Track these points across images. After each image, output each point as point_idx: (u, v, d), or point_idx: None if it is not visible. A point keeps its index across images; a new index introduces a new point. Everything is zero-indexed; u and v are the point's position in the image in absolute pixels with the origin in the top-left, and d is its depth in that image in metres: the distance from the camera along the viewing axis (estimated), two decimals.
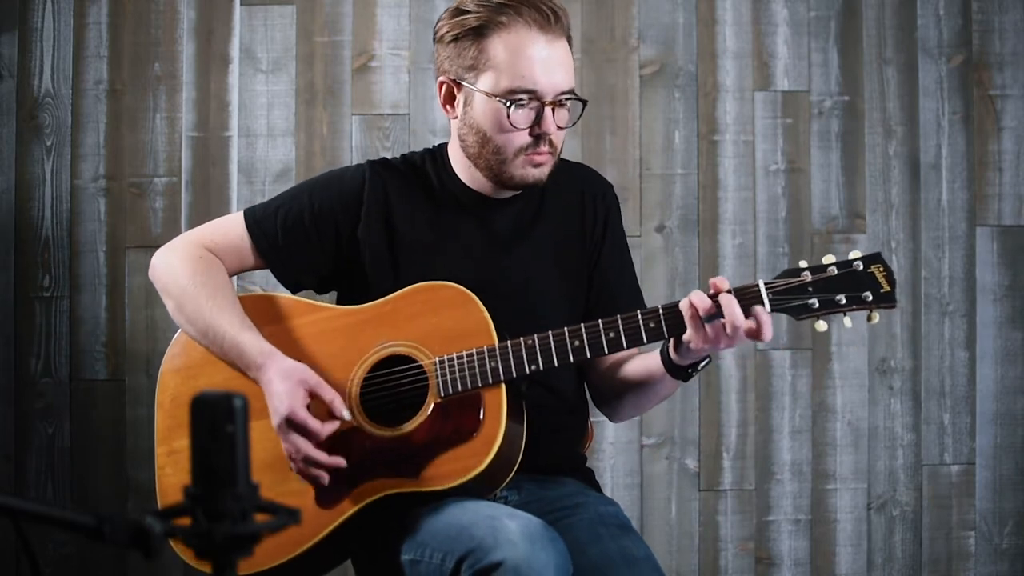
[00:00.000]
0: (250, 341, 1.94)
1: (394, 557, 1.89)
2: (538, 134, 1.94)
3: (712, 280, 1.80)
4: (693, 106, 2.99)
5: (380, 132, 2.96)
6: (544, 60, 1.92)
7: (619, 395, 2.07)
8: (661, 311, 1.83)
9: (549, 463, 2.03)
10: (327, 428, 1.88)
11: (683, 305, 1.80)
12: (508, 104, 1.91)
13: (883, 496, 2.99)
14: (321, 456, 1.88)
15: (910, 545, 3.00)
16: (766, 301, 1.78)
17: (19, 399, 2.92)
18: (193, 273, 2.01)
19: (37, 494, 2.92)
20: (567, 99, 1.96)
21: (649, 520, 2.97)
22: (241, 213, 2.08)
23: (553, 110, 1.94)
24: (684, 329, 1.81)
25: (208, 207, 2.93)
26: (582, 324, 1.86)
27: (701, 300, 1.78)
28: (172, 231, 2.93)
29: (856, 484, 2.99)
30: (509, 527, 1.74)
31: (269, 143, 2.96)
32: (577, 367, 2.09)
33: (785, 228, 2.99)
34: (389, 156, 2.14)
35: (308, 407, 1.89)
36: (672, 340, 1.87)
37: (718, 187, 2.99)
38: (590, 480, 2.13)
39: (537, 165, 1.96)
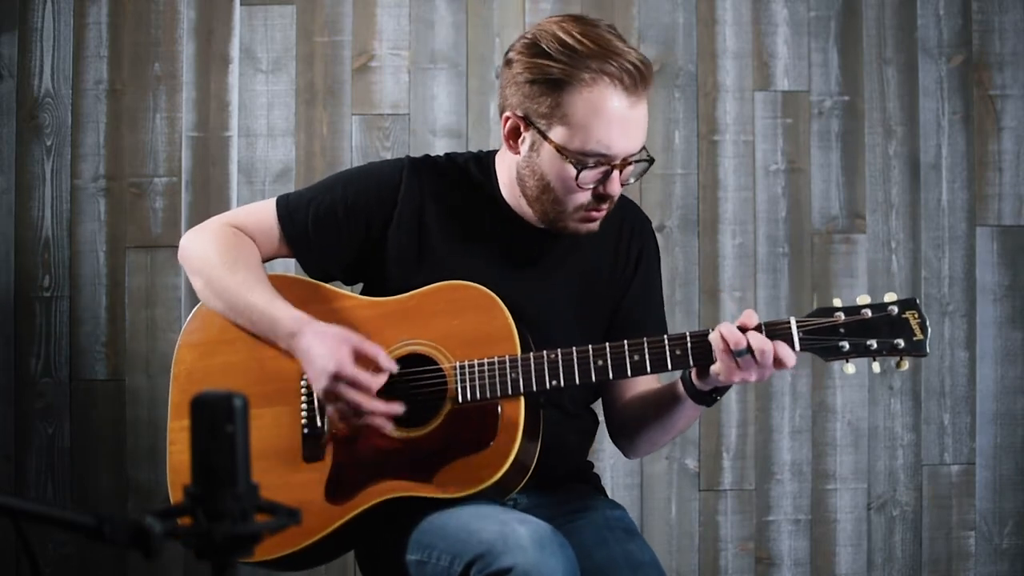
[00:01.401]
0: (282, 310, 1.92)
1: (399, 556, 1.89)
2: (601, 194, 1.90)
3: (741, 318, 1.79)
4: (693, 106, 2.99)
5: (380, 132, 2.96)
6: (622, 123, 1.84)
7: (637, 428, 2.04)
8: (689, 339, 1.81)
9: (559, 468, 2.02)
10: (378, 380, 1.85)
11: (713, 338, 1.79)
12: (579, 167, 1.85)
13: (883, 496, 2.99)
14: (378, 404, 1.85)
15: (910, 545, 2.99)
16: (796, 340, 1.77)
17: (19, 399, 2.92)
18: (224, 250, 1.99)
19: (37, 494, 2.91)
20: (636, 161, 1.90)
21: (649, 520, 2.97)
22: (274, 200, 2.05)
23: (620, 170, 1.88)
24: (711, 360, 1.80)
25: (208, 207, 2.93)
26: (607, 344, 1.84)
27: (732, 334, 1.77)
28: (172, 231, 2.93)
29: (856, 484, 2.99)
30: (519, 532, 1.73)
31: (269, 143, 2.96)
32: (595, 389, 2.07)
33: (785, 228, 2.99)
34: (432, 154, 2.10)
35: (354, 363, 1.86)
36: (696, 368, 1.85)
37: (718, 187, 2.99)
38: (596, 485, 2.13)
39: (593, 220, 1.93)
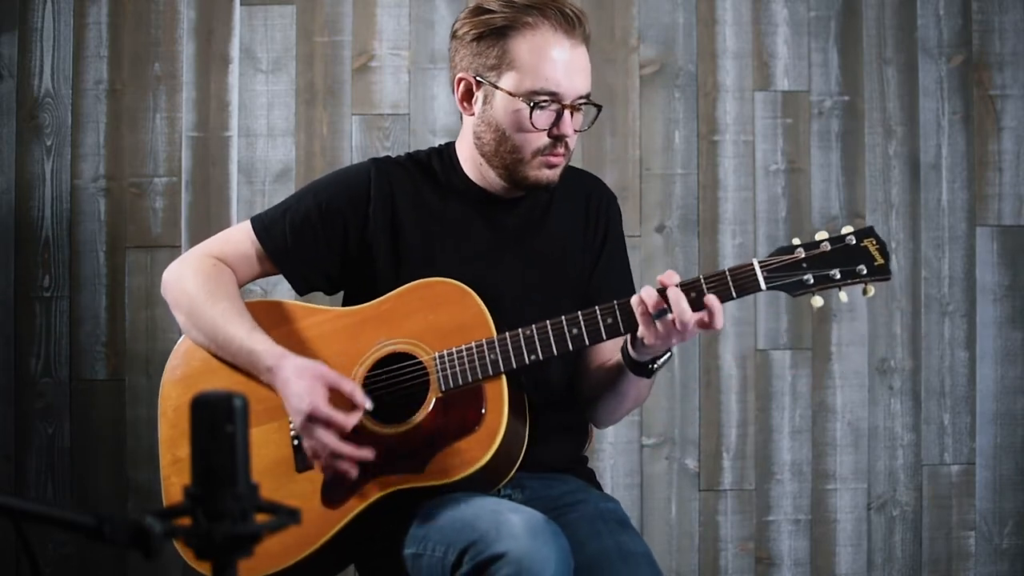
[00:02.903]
0: (261, 344, 1.95)
1: (396, 552, 1.90)
2: (556, 136, 1.95)
3: (662, 276, 1.81)
4: (693, 106, 2.99)
5: (380, 132, 2.96)
6: (567, 63, 1.93)
7: (595, 397, 2.07)
8: (616, 306, 1.85)
9: (552, 461, 2.04)
10: (351, 419, 1.88)
11: (633, 301, 1.82)
12: (531, 105, 1.92)
13: (883, 496, 2.99)
14: (348, 448, 1.88)
15: (910, 545, 2.99)
16: (761, 280, 1.79)
17: (19, 399, 2.92)
18: (203, 283, 2.02)
19: (37, 494, 2.91)
20: (584, 103, 1.97)
21: (649, 520, 2.97)
22: (248, 221, 2.08)
23: (571, 113, 1.95)
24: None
25: (208, 207, 2.93)
26: (579, 312, 1.86)
27: (649, 296, 1.80)
28: (172, 231, 2.93)
29: (856, 484, 2.99)
30: (512, 520, 1.74)
31: (269, 143, 2.96)
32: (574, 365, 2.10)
33: (785, 228, 2.99)
34: (393, 155, 2.14)
35: (328, 401, 1.89)
36: (628, 337, 1.88)
37: (718, 187, 2.99)
38: (591, 480, 2.14)
39: (552, 166, 1.98)
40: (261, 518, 1.09)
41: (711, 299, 1.78)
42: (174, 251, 2.90)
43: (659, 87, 2.99)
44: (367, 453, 1.88)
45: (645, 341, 1.82)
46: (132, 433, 2.92)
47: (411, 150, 2.18)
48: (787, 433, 2.99)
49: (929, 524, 2.99)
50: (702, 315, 1.78)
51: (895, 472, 2.99)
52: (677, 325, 1.78)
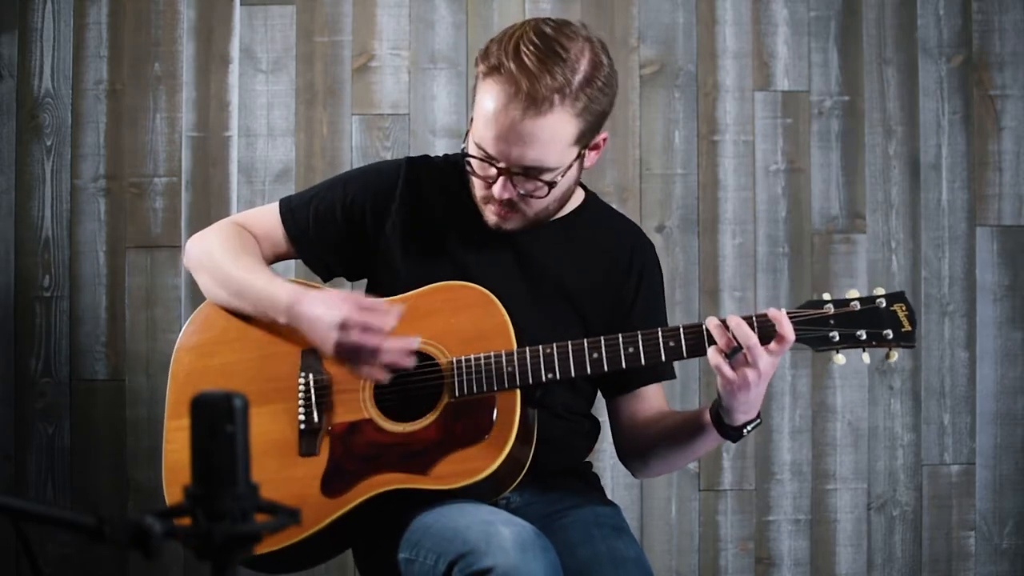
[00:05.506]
0: (282, 286, 1.95)
1: (391, 554, 1.90)
2: (487, 194, 1.93)
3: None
4: (693, 106, 2.99)
5: (380, 132, 2.96)
6: (505, 128, 1.83)
7: (651, 448, 2.04)
8: (682, 331, 1.83)
9: (556, 465, 2.03)
10: (388, 320, 1.85)
11: (708, 322, 1.80)
12: (466, 154, 1.91)
13: (883, 496, 2.99)
14: (393, 341, 1.85)
15: (910, 545, 2.99)
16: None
17: (19, 399, 2.92)
18: (226, 242, 2.03)
19: (37, 494, 2.91)
20: (531, 174, 1.88)
21: (649, 520, 2.97)
22: (276, 203, 2.10)
23: (511, 177, 1.88)
24: (703, 351, 1.80)
25: (208, 207, 2.93)
26: (601, 337, 1.86)
27: (717, 324, 1.79)
28: (172, 231, 2.93)
29: (856, 484, 2.99)
30: (502, 533, 1.74)
31: (269, 143, 2.96)
32: (590, 396, 2.08)
33: (785, 228, 2.99)
34: (431, 155, 2.14)
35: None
36: (717, 400, 1.85)
37: (718, 187, 2.99)
38: (594, 484, 2.14)
39: (498, 215, 1.95)
40: (261, 518, 1.09)
41: (774, 313, 1.77)
42: (174, 251, 2.90)
43: (659, 87, 2.99)
44: (413, 342, 1.86)
45: (720, 389, 1.80)
46: (132, 433, 2.92)
47: (411, 151, 2.18)
48: (787, 433, 2.99)
49: (929, 524, 2.99)
50: (774, 346, 1.76)
51: (895, 472, 2.99)
52: (749, 354, 1.75)
